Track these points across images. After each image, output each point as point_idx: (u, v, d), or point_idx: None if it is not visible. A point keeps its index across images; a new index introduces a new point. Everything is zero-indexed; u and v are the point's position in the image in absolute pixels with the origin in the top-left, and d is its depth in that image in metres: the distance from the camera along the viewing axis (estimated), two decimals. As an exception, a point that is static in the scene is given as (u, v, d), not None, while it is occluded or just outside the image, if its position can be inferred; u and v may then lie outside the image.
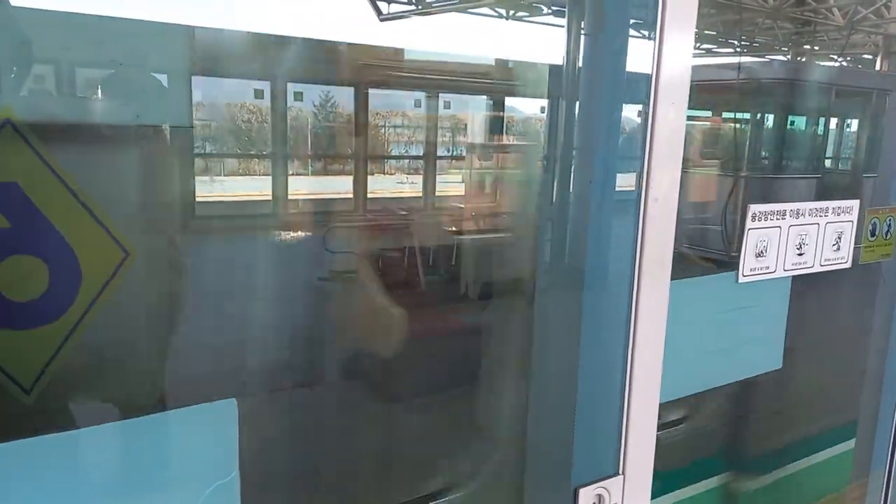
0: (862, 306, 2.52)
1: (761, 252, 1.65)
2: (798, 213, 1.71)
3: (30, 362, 0.93)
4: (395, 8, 8.04)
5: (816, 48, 10.05)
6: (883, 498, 2.23)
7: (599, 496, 1.23)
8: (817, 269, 1.78)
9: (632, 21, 1.19)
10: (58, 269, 0.93)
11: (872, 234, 2.05)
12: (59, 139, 0.91)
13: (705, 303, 1.61)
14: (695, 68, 1.15)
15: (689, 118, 1.15)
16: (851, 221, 1.83)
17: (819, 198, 1.98)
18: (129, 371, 1.06)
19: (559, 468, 1.24)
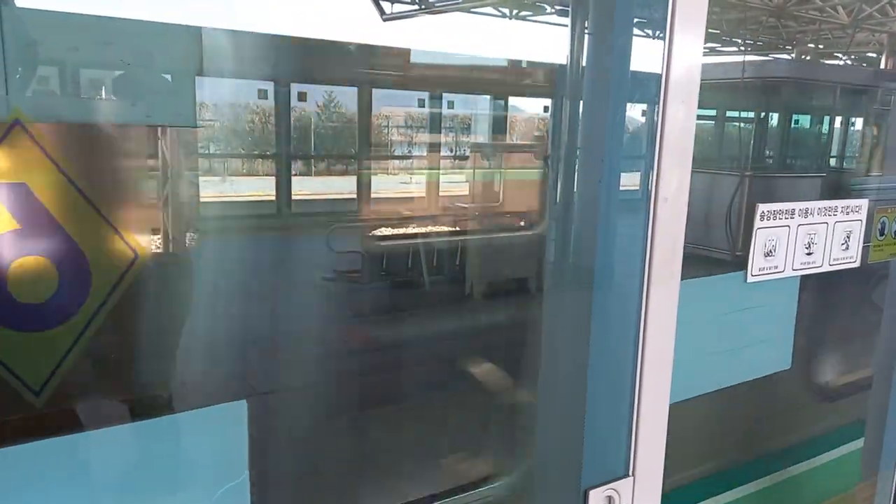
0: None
1: (770, 251, 1.64)
2: (807, 213, 1.70)
3: (39, 364, 0.93)
4: (398, 8, 8.04)
5: (821, 46, 10.02)
6: (892, 498, 2.22)
7: (609, 498, 1.22)
8: (826, 268, 1.77)
9: (639, 20, 1.18)
10: (67, 271, 0.93)
11: (881, 234, 2.04)
12: (69, 140, 0.91)
13: (714, 303, 1.61)
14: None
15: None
16: (860, 220, 1.82)
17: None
18: (142, 372, 1.06)
19: (569, 470, 1.23)
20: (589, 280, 1.18)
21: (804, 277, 1.72)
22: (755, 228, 1.59)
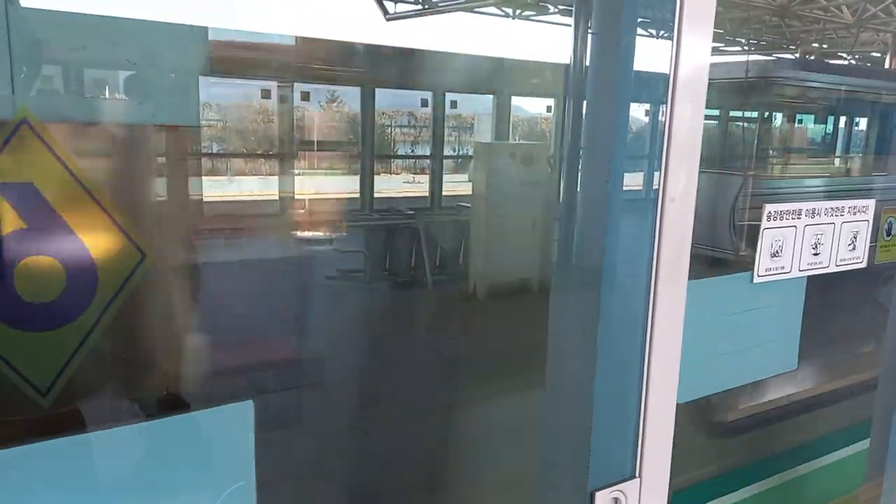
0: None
1: (776, 252, 1.63)
2: (814, 213, 1.69)
3: (46, 364, 0.93)
4: (401, 8, 8.04)
5: (825, 46, 9.99)
6: (898, 500, 2.21)
7: (616, 499, 1.21)
8: (833, 269, 1.76)
9: (644, 19, 1.18)
10: (74, 271, 0.92)
11: (888, 234, 2.04)
12: (76, 139, 0.91)
13: (721, 303, 1.60)
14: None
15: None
16: (867, 221, 1.81)
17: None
18: (149, 371, 1.06)
19: (575, 471, 1.23)
20: (596, 280, 1.18)
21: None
22: (762, 229, 1.58)
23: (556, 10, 9.51)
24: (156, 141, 1.04)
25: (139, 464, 0.86)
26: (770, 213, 1.59)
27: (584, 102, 1.26)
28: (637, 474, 1.24)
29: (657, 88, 1.15)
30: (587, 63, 1.23)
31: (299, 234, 7.35)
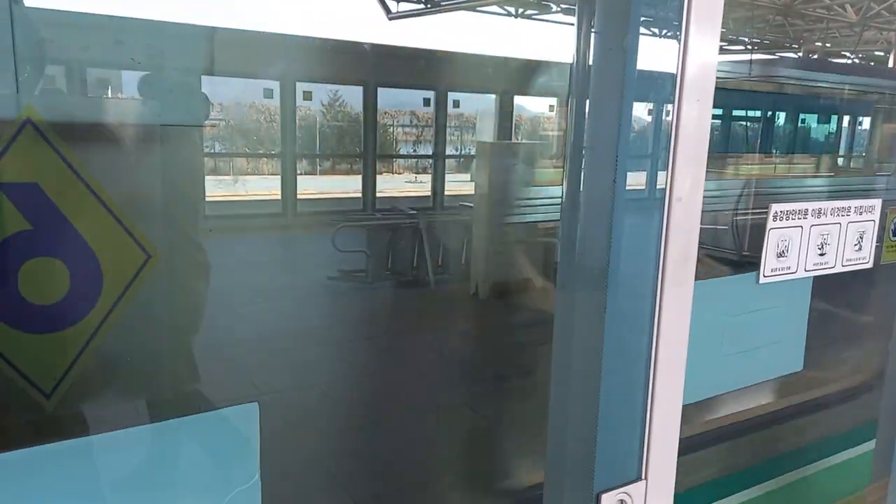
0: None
1: (782, 252, 1.62)
2: (820, 213, 1.69)
3: (50, 366, 0.93)
4: (403, 6, 8.03)
5: (828, 45, 9.97)
6: (905, 500, 2.21)
7: (622, 501, 1.21)
8: (839, 269, 1.75)
9: (648, 18, 1.17)
10: (79, 272, 0.92)
11: (895, 234, 2.03)
12: (81, 138, 0.90)
13: (726, 304, 1.59)
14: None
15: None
16: (873, 221, 1.81)
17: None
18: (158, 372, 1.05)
19: (581, 473, 1.22)
20: (602, 281, 1.17)
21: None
22: (768, 229, 1.57)
23: (559, 8, 9.49)
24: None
25: (143, 467, 0.85)
26: (776, 212, 1.59)
27: (587, 101, 1.25)
28: (643, 476, 1.24)
29: (663, 87, 1.15)
30: (590, 62, 1.23)
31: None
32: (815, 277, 1.71)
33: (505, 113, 8.72)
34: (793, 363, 1.78)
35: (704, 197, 1.17)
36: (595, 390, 1.20)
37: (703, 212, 1.18)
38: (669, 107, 1.14)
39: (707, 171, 1.17)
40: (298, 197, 8.15)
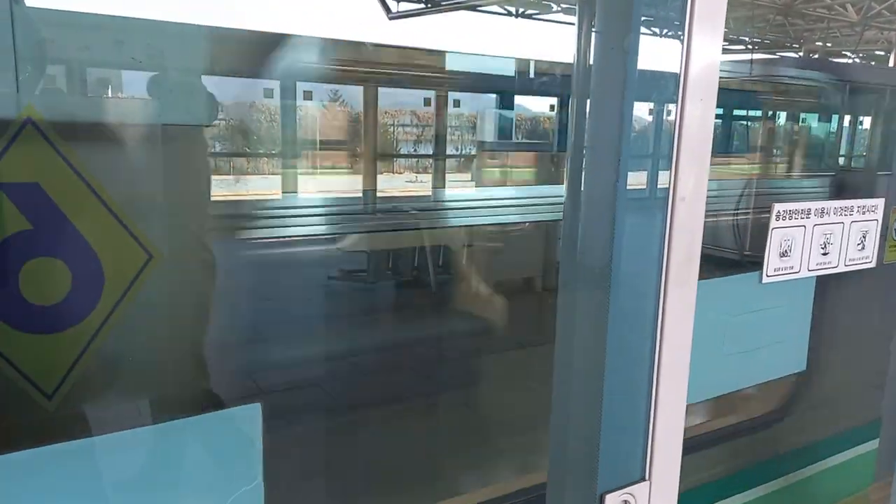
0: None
1: (785, 252, 1.62)
2: (823, 212, 1.68)
3: (52, 367, 0.92)
4: (404, 6, 8.03)
5: (829, 45, 9.96)
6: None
7: (625, 502, 1.20)
8: (842, 269, 1.75)
9: (649, 17, 1.16)
10: (80, 273, 0.92)
11: (898, 234, 2.02)
12: (82, 138, 0.90)
13: (729, 303, 1.59)
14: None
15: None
16: (877, 220, 1.80)
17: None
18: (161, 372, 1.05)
19: (584, 474, 1.22)
20: (604, 281, 1.16)
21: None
22: (771, 228, 1.57)
23: (559, 8, 9.49)
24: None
25: (145, 467, 0.85)
26: (779, 212, 1.58)
27: (588, 101, 1.25)
28: (647, 477, 1.23)
29: (665, 87, 1.14)
30: (583, 61, 1.23)
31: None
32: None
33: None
34: (795, 364, 1.77)
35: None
36: (598, 390, 1.19)
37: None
38: (671, 106, 1.14)
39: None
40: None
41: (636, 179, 1.18)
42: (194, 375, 1.23)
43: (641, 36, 1.13)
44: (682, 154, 1.13)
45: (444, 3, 8.37)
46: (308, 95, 7.96)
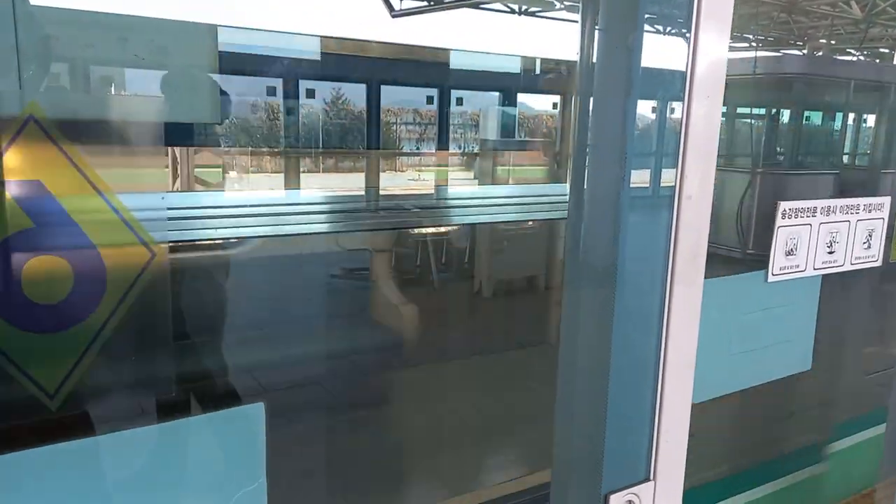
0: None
1: (791, 250, 1.61)
2: (829, 211, 1.67)
3: (54, 366, 0.92)
4: (407, 4, 8.01)
5: (833, 42, 9.92)
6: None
7: (630, 502, 1.20)
8: (847, 267, 1.74)
9: (652, 15, 1.16)
10: (82, 271, 0.91)
11: (904, 232, 2.01)
12: (85, 136, 0.89)
13: (735, 302, 1.58)
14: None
15: None
16: (883, 218, 1.79)
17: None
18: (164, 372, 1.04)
19: (589, 474, 1.21)
20: (610, 279, 1.16)
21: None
22: (776, 227, 1.56)
23: (563, 6, 9.47)
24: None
25: (149, 467, 0.85)
26: (785, 210, 1.57)
27: (591, 99, 1.24)
28: (651, 477, 1.22)
29: (671, 85, 1.13)
30: (587, 59, 1.22)
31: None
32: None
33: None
34: (801, 363, 1.76)
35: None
36: (603, 390, 1.19)
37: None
38: (676, 104, 1.13)
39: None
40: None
41: (641, 177, 1.17)
42: None
43: (646, 34, 1.12)
44: (689, 151, 1.12)
45: (447, 0, 8.35)
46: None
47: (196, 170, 7.46)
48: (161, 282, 0.97)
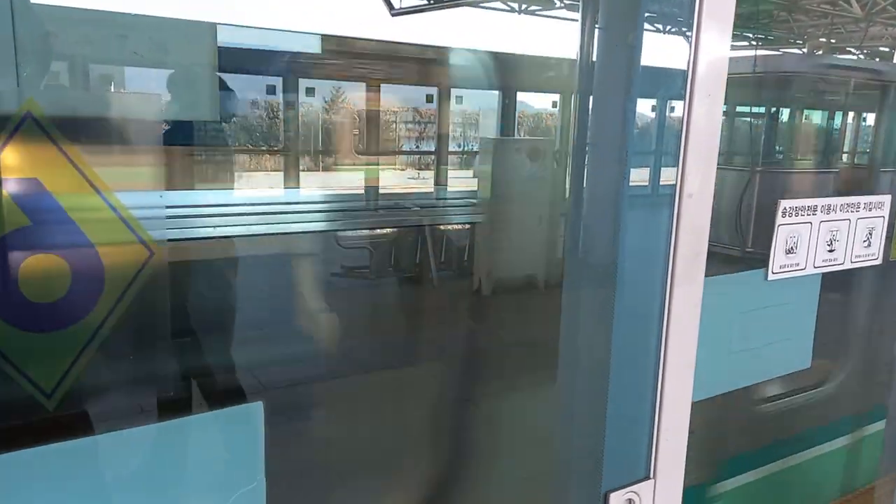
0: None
1: (791, 249, 1.61)
2: (829, 209, 1.67)
3: (51, 366, 0.91)
4: (407, 2, 8.00)
5: (833, 41, 9.91)
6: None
7: (630, 500, 1.20)
8: (847, 265, 1.74)
9: (652, 14, 1.15)
10: (80, 270, 0.91)
11: (904, 230, 2.00)
12: (84, 134, 0.89)
13: (734, 300, 1.58)
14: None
15: None
16: (883, 217, 1.79)
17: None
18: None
19: (589, 472, 1.21)
20: (610, 278, 1.15)
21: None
22: (777, 225, 1.56)
23: (562, 4, 9.46)
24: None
25: (147, 467, 0.84)
26: (785, 209, 1.57)
27: (591, 98, 1.24)
28: (651, 475, 1.22)
29: (672, 83, 1.13)
30: (587, 57, 1.22)
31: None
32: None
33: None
34: (801, 360, 1.76)
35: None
36: (603, 388, 1.19)
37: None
38: (676, 102, 1.12)
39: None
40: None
41: (641, 176, 1.17)
42: None
43: (646, 32, 1.12)
44: (690, 150, 1.11)
45: (446, -1, 8.34)
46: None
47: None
48: (160, 280, 0.97)
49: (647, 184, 1.21)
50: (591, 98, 1.26)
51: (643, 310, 1.18)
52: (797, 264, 1.62)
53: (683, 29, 1.09)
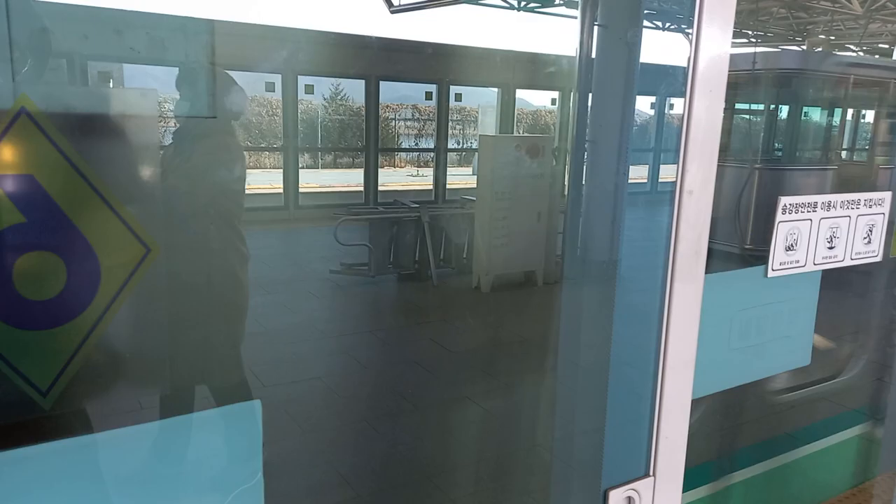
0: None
1: (791, 245, 1.60)
2: (829, 206, 1.66)
3: (47, 364, 0.91)
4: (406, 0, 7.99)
5: (832, 38, 9.90)
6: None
7: (630, 498, 1.19)
8: (847, 262, 1.73)
9: (651, 11, 1.15)
10: (75, 267, 0.90)
11: (904, 227, 2.00)
12: (79, 130, 0.88)
13: (734, 297, 1.57)
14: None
15: None
16: (883, 213, 1.78)
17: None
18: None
19: (588, 470, 1.21)
20: (611, 275, 1.15)
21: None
22: (777, 222, 1.55)
23: (561, 1, 9.44)
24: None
25: (145, 465, 0.84)
26: (785, 205, 1.56)
27: (590, 95, 1.23)
28: (651, 472, 1.22)
29: (673, 80, 1.12)
30: (586, 55, 1.21)
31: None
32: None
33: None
34: (800, 358, 1.76)
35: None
36: (603, 386, 1.18)
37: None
38: (676, 99, 1.12)
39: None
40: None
41: (641, 173, 1.17)
42: None
43: (646, 29, 1.12)
44: (690, 146, 1.11)
45: (445, -4, 8.32)
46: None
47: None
48: (157, 277, 0.96)
49: (646, 181, 1.21)
50: (590, 95, 1.26)
51: (643, 307, 1.17)
52: (797, 261, 1.62)
53: (683, 26, 1.09)
